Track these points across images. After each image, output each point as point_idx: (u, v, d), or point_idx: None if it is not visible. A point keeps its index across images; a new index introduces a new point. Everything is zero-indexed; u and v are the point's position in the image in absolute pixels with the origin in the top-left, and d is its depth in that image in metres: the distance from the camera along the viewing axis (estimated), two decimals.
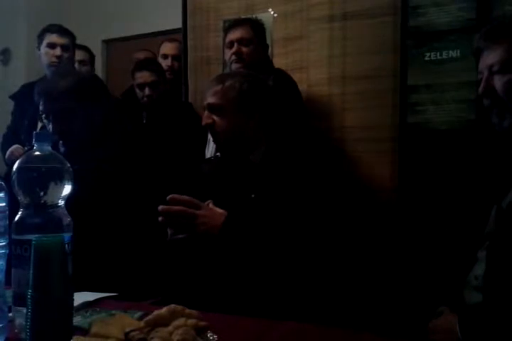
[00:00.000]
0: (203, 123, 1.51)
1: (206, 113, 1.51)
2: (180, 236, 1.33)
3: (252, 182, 1.44)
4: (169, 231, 1.35)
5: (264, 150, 1.50)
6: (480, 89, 1.18)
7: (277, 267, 1.32)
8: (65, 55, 2.61)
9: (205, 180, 1.54)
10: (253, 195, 1.41)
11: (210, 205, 1.36)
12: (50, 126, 1.50)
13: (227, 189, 1.46)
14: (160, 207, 1.28)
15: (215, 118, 1.49)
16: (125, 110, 2.79)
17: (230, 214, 1.33)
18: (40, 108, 1.52)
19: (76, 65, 2.98)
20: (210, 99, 1.49)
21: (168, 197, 1.30)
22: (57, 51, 2.58)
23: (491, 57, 1.16)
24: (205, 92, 1.55)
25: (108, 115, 1.61)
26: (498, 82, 1.14)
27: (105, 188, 1.44)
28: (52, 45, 2.59)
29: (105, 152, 1.51)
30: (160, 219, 1.29)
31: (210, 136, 2.28)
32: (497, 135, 1.21)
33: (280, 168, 1.43)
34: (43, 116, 1.52)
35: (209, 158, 2.00)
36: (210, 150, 2.27)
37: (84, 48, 3.13)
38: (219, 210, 1.34)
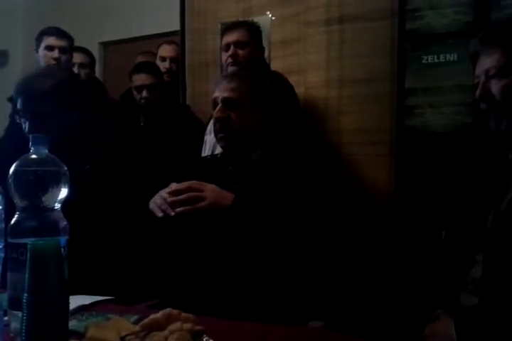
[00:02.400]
0: (217, 116, 1.47)
1: (220, 107, 1.48)
2: (182, 208, 1.32)
3: (251, 181, 1.45)
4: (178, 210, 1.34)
5: (263, 150, 1.50)
6: (477, 93, 1.18)
7: (274, 270, 1.32)
8: (63, 57, 2.61)
9: (200, 178, 1.53)
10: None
11: None
12: (26, 126, 1.50)
13: (224, 187, 1.46)
14: (170, 190, 1.32)
15: (231, 113, 1.47)
16: (122, 112, 2.79)
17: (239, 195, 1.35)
18: (18, 106, 1.52)
19: (76, 68, 2.98)
20: (228, 94, 1.47)
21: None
22: (55, 53, 2.58)
23: (487, 62, 1.16)
24: (218, 85, 1.53)
25: (85, 118, 1.62)
26: (495, 86, 1.15)
27: (96, 190, 1.44)
28: (50, 48, 2.59)
29: (82, 154, 1.52)
30: (169, 200, 1.32)
31: (206, 139, 2.30)
32: (494, 138, 1.21)
33: (279, 168, 1.44)
34: (20, 114, 1.52)
35: (205, 157, 2.00)
36: (207, 152, 2.27)
37: (85, 51, 3.12)
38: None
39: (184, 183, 1.36)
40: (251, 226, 1.33)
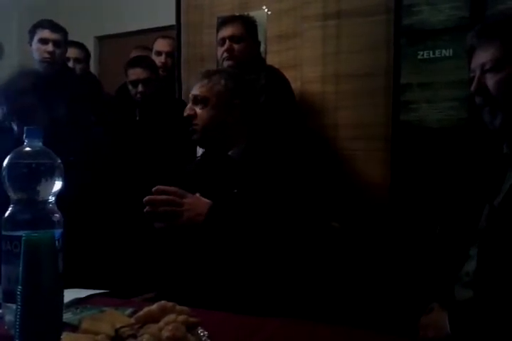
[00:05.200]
0: (185, 114, 1.54)
1: (189, 105, 1.55)
2: (161, 224, 1.32)
3: (233, 178, 1.45)
4: (156, 225, 1.35)
5: (245, 147, 1.51)
6: (472, 87, 1.18)
7: (266, 262, 1.33)
8: (57, 50, 2.59)
9: (188, 178, 1.55)
10: (235, 190, 1.42)
11: (197, 195, 1.37)
12: (15, 128, 1.52)
13: (209, 185, 1.47)
14: (146, 198, 1.29)
15: (197, 110, 1.52)
16: (118, 107, 2.78)
17: (215, 204, 1.34)
18: (4, 110, 1.55)
19: (71, 63, 2.96)
20: (196, 91, 1.54)
21: (153, 189, 1.30)
22: (49, 47, 2.56)
23: (483, 56, 1.16)
24: (192, 86, 1.59)
25: (72, 110, 1.66)
26: (490, 80, 1.15)
27: (82, 183, 1.44)
28: (44, 41, 2.57)
29: (71, 146, 1.54)
30: (145, 209, 1.29)
31: None
32: (489, 133, 1.21)
33: (260, 164, 1.44)
34: (8, 118, 1.55)
35: (195, 158, 2.01)
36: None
37: (80, 46, 3.11)
38: (205, 200, 1.35)
39: (169, 188, 1.33)
40: (223, 238, 1.33)
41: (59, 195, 0.92)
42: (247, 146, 1.52)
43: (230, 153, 1.52)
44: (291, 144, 1.74)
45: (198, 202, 1.34)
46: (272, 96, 2.06)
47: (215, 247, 1.35)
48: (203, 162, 1.62)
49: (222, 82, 1.53)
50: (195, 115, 1.52)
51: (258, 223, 1.33)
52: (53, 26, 2.60)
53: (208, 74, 1.57)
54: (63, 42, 2.63)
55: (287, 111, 2.16)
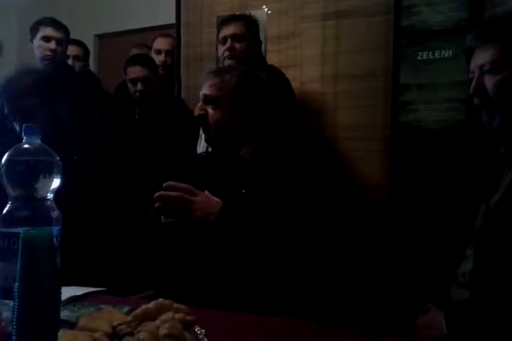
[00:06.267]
0: (196, 113, 1.50)
1: (200, 104, 1.51)
2: (172, 219, 1.32)
3: (242, 177, 1.45)
4: (163, 219, 1.35)
5: (255, 147, 1.50)
6: (471, 88, 1.18)
7: (268, 262, 1.33)
8: (59, 48, 2.59)
9: (195, 175, 1.54)
10: (244, 191, 1.41)
11: (206, 193, 1.36)
12: (17, 127, 1.50)
13: (217, 184, 1.46)
14: (157, 194, 1.28)
15: (208, 110, 1.49)
16: (117, 105, 2.78)
17: (227, 204, 1.33)
18: (5, 110, 1.52)
19: (70, 61, 2.97)
20: (207, 91, 1.49)
21: (164, 184, 1.29)
22: (52, 45, 2.56)
23: (482, 57, 1.16)
24: (201, 83, 1.55)
25: (75, 108, 1.62)
26: (489, 82, 1.15)
27: (85, 181, 1.44)
28: (47, 39, 2.57)
29: (75, 144, 1.52)
30: (156, 204, 1.28)
31: (202, 132, 2.30)
32: (487, 134, 1.21)
33: (271, 165, 1.43)
34: (10, 117, 1.52)
35: (199, 154, 2.01)
36: (202, 146, 2.27)
37: (80, 44, 3.11)
38: (215, 199, 1.34)
39: (181, 185, 1.32)
40: (234, 238, 1.32)
41: (58, 192, 0.92)
42: (258, 146, 1.50)
43: (241, 153, 1.50)
44: (297, 145, 1.74)
45: (209, 201, 1.33)
46: (274, 96, 2.06)
47: (222, 246, 1.35)
48: (211, 159, 1.61)
49: (234, 81, 1.49)
50: (206, 115, 1.49)
51: (267, 223, 1.32)
52: (56, 24, 2.61)
53: (219, 73, 1.52)
54: (65, 40, 2.64)
55: (289, 111, 2.16)
